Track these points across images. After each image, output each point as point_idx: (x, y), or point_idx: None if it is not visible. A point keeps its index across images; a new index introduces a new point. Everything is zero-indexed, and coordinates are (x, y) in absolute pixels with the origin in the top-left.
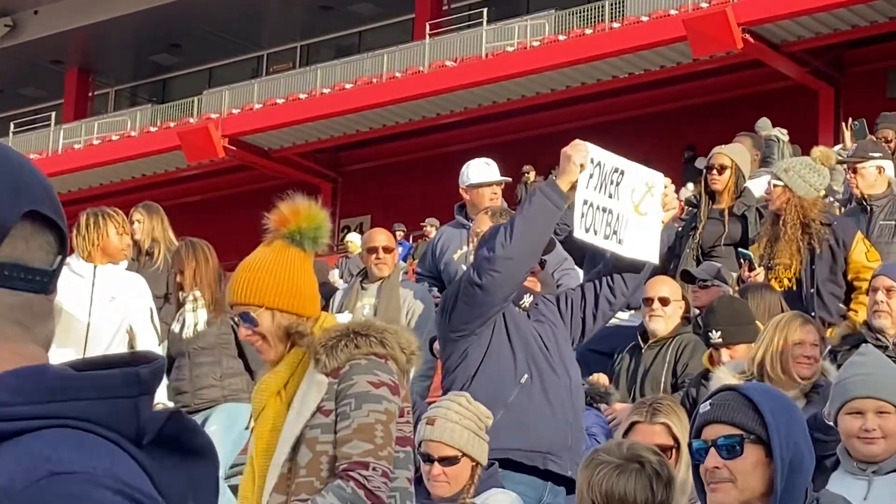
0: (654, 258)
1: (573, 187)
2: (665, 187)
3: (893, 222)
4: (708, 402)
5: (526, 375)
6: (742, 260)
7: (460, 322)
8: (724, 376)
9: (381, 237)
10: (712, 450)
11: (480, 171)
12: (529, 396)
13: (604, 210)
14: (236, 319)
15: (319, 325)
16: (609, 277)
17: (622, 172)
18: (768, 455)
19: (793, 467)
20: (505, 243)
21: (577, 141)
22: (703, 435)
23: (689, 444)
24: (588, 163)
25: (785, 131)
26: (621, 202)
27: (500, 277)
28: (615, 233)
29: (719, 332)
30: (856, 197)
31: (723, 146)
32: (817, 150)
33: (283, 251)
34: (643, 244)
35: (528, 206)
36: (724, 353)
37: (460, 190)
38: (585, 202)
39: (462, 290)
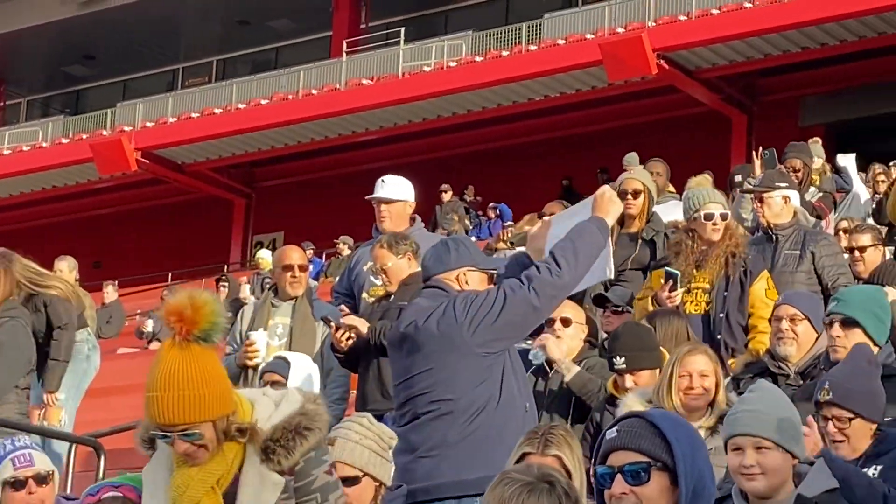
0: (610, 274)
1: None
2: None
3: (798, 252)
4: (614, 429)
5: (527, 403)
6: (668, 279)
7: (496, 338)
8: (631, 403)
9: (295, 255)
10: (619, 476)
11: (375, 189)
12: (528, 426)
13: None
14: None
15: (243, 411)
16: None
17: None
18: (673, 482)
19: (696, 494)
20: (571, 271)
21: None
22: (610, 461)
23: (594, 470)
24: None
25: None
26: None
27: (556, 302)
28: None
29: (623, 358)
30: (762, 226)
31: (632, 171)
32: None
33: (202, 356)
34: (601, 264)
35: (589, 238)
36: (628, 379)
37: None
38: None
39: (510, 308)
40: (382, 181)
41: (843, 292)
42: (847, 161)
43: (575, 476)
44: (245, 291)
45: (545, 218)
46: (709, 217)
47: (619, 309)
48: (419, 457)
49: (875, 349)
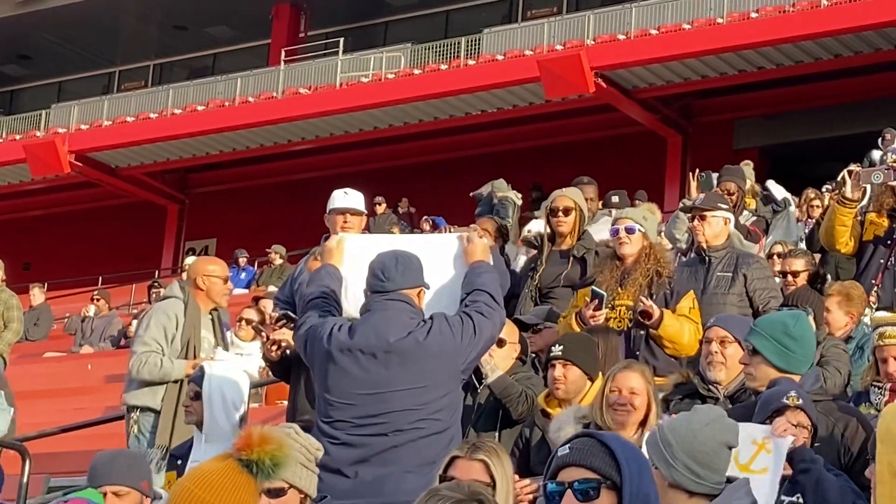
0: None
1: None
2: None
3: (730, 274)
4: (567, 446)
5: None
6: (594, 298)
7: (471, 365)
8: (565, 418)
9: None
10: (569, 492)
11: (336, 199)
12: None
13: None
14: None
15: None
16: None
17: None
18: (620, 501)
19: None
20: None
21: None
22: (560, 477)
23: (544, 486)
24: None
25: (520, 195)
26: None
27: None
28: None
29: (561, 346)
30: (696, 247)
31: (563, 189)
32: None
33: (232, 474)
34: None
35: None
36: (559, 369)
37: (325, 220)
38: None
39: (487, 338)
40: (346, 192)
41: (758, 320)
42: (776, 189)
43: (500, 485)
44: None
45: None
46: (614, 232)
47: (539, 326)
48: (404, 472)
49: (794, 377)
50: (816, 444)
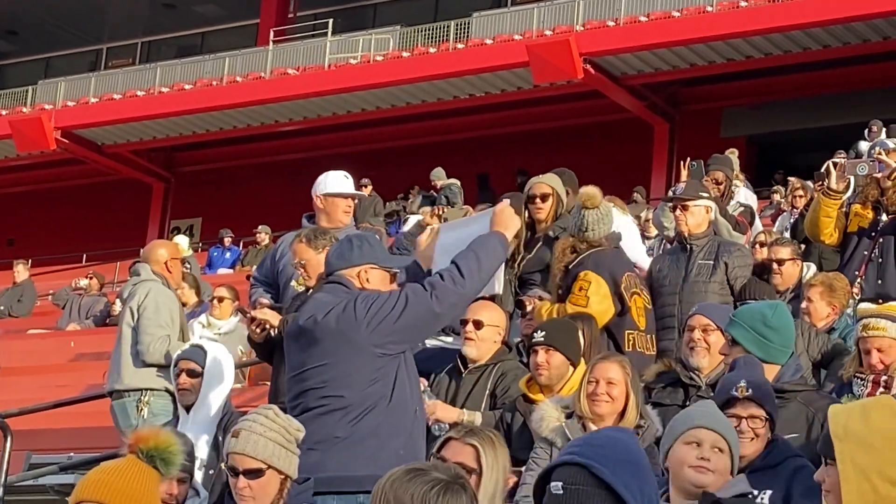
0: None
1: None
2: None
3: (711, 262)
4: (560, 484)
5: (417, 407)
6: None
7: (394, 340)
8: (547, 409)
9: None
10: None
11: (339, 182)
12: (417, 429)
13: None
14: None
15: None
16: None
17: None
18: None
19: None
20: (473, 280)
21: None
22: None
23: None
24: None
25: (458, 183)
26: None
27: (457, 310)
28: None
29: (543, 332)
30: (678, 235)
31: (541, 176)
32: (585, 192)
33: (144, 473)
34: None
35: (491, 250)
36: (541, 354)
37: (314, 198)
38: None
39: (410, 312)
40: (346, 176)
41: (737, 310)
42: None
43: (487, 474)
44: None
45: (433, 227)
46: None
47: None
48: (307, 448)
49: (772, 367)
50: (794, 435)
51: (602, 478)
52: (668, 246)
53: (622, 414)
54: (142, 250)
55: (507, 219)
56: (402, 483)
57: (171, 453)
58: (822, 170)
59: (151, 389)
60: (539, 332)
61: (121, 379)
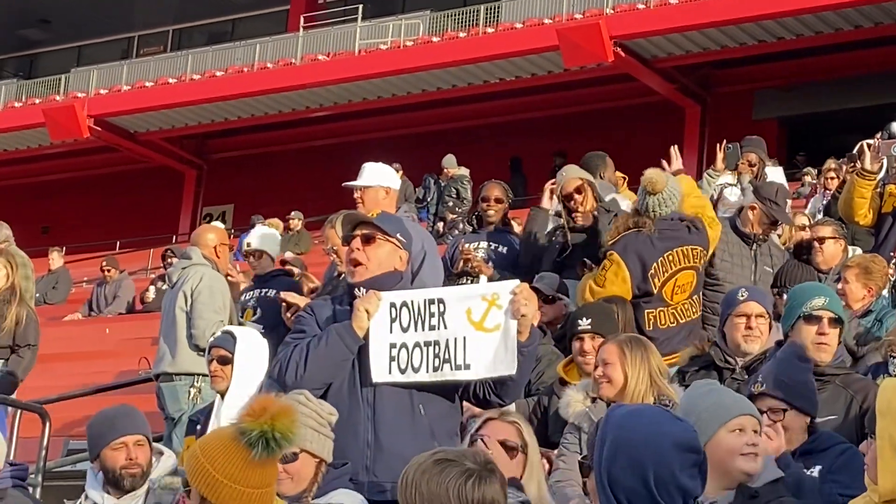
0: (510, 369)
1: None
2: (514, 293)
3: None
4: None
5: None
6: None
7: None
8: (573, 394)
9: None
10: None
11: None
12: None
13: (426, 344)
14: None
15: None
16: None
17: (440, 301)
18: None
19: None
20: (298, 374)
21: (371, 292)
22: None
23: None
24: (385, 309)
25: (468, 175)
26: (451, 329)
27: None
28: (448, 361)
29: (589, 320)
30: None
31: (566, 172)
32: (647, 177)
33: (227, 443)
34: (496, 359)
35: (323, 345)
36: (588, 342)
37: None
38: (393, 345)
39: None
40: (363, 168)
41: (826, 290)
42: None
43: (532, 448)
44: None
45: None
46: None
47: (550, 298)
48: None
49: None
50: (832, 417)
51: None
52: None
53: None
54: (276, 223)
55: (354, 310)
56: (433, 475)
57: (267, 432)
58: (855, 150)
59: (203, 375)
60: (584, 319)
61: (174, 362)
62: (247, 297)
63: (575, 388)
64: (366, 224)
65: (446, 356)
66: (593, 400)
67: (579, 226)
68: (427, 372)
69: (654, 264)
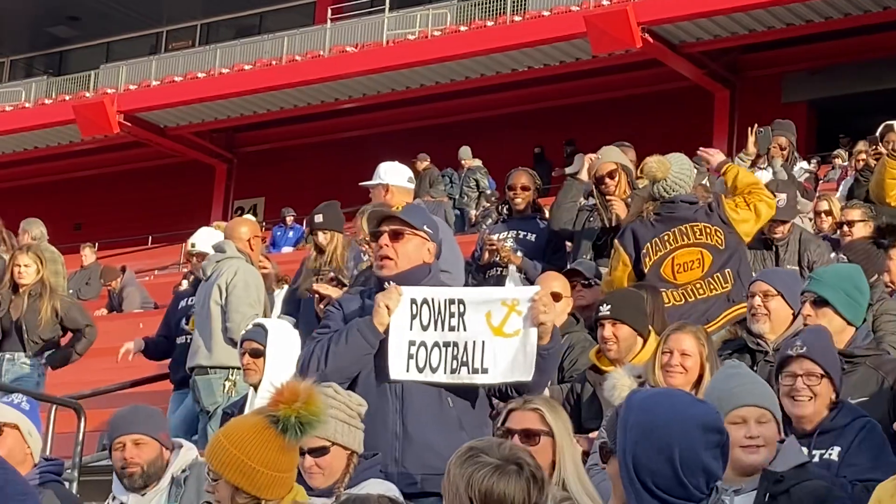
0: (526, 376)
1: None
2: (533, 300)
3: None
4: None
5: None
6: None
7: None
8: (619, 377)
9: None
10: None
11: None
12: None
13: (445, 345)
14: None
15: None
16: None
17: (461, 302)
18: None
19: (643, 483)
20: (319, 369)
21: (392, 287)
22: None
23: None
24: (406, 305)
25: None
26: (470, 332)
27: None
28: (465, 364)
29: (609, 306)
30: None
31: (603, 153)
32: (645, 169)
33: (260, 431)
34: (514, 365)
35: (343, 340)
36: (608, 328)
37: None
38: (412, 343)
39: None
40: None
41: (819, 271)
42: None
43: (558, 432)
44: None
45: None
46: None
47: (589, 283)
48: None
49: (850, 329)
50: (864, 399)
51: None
52: None
53: (697, 384)
54: (224, 226)
55: (374, 306)
56: (459, 466)
57: (304, 416)
58: (878, 132)
59: (238, 368)
60: (605, 305)
61: (209, 355)
62: (189, 302)
63: (622, 372)
64: (392, 219)
65: (464, 359)
66: (641, 384)
67: (612, 212)
68: (445, 373)
69: (647, 244)
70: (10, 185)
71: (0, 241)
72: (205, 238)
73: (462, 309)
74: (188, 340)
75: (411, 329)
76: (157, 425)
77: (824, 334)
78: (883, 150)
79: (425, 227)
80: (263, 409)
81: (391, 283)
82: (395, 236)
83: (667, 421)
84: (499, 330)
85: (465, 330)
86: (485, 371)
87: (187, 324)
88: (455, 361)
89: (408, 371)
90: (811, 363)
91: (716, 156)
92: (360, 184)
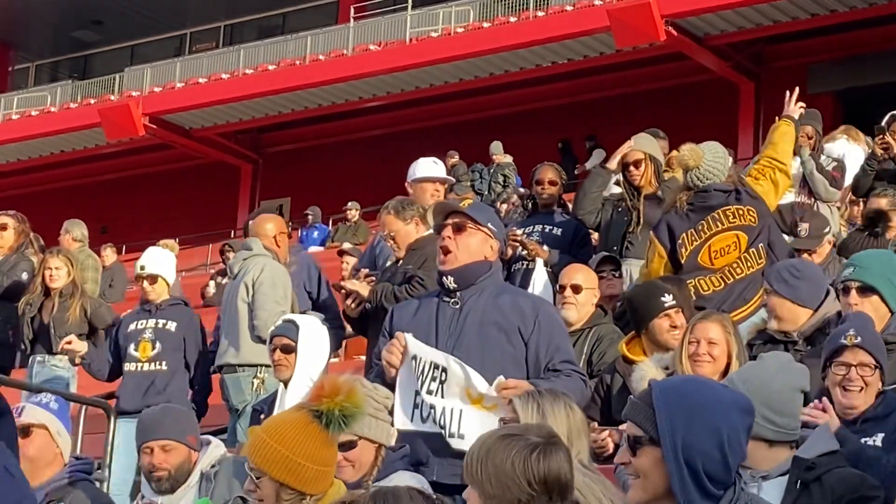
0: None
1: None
2: (498, 392)
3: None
4: (630, 399)
5: None
6: None
7: None
8: (647, 368)
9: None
10: (626, 445)
11: (426, 168)
12: None
13: (431, 407)
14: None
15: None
16: None
17: (444, 370)
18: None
19: (691, 468)
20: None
21: (395, 341)
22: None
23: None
24: (408, 358)
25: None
26: (448, 400)
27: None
28: (444, 427)
29: (671, 296)
30: None
31: (635, 141)
32: (676, 160)
33: (304, 426)
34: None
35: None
36: (676, 317)
37: (406, 186)
38: (417, 393)
39: None
40: (436, 162)
41: (858, 258)
42: None
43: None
44: None
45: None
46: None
47: (620, 272)
48: None
49: (887, 315)
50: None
51: (652, 396)
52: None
53: (725, 373)
54: (250, 223)
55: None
56: (498, 450)
57: (347, 408)
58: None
59: (266, 365)
60: (667, 295)
61: (237, 353)
62: (139, 326)
63: (649, 363)
64: (457, 213)
65: (442, 422)
66: (669, 375)
67: (635, 202)
68: (438, 427)
69: (683, 235)
70: (37, 189)
71: (28, 244)
72: (154, 259)
73: (444, 377)
74: (140, 369)
75: (418, 381)
76: (185, 429)
77: (871, 323)
78: (890, 139)
79: (489, 224)
80: (304, 404)
81: (450, 277)
82: (458, 229)
83: (712, 403)
84: (477, 402)
85: (442, 397)
86: (461, 437)
87: (136, 350)
88: (435, 424)
89: (412, 421)
90: (865, 354)
91: (793, 105)
92: (424, 175)
